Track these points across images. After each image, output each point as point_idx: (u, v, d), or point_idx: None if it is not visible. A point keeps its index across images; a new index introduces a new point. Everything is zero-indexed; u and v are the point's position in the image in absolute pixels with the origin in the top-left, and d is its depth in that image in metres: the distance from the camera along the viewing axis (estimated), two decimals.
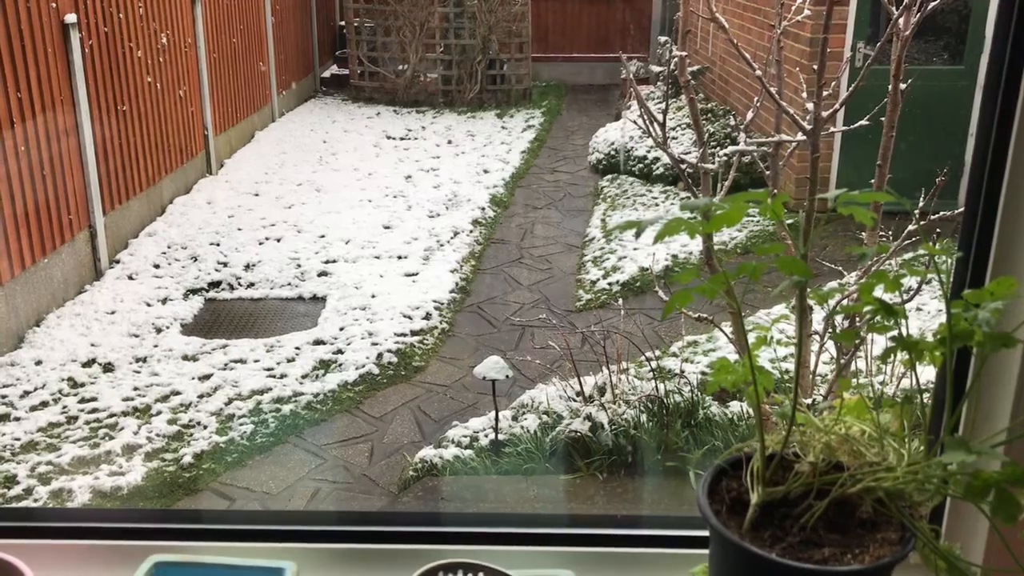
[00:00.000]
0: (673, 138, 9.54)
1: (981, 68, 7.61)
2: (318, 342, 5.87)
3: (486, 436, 4.55)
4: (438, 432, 4.85)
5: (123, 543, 1.30)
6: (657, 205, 8.56)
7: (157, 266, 7.08)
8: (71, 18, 6.52)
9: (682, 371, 4.91)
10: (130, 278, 6.85)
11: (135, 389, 5.27)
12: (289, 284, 6.82)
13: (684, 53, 3.88)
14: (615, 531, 1.34)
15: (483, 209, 8.55)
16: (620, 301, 6.34)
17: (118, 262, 7.10)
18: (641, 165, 9.37)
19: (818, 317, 4.21)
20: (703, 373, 4.98)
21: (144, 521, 1.40)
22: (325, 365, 5.59)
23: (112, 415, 5.01)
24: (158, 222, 7.91)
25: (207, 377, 5.41)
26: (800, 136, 3.36)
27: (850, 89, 3.19)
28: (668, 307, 0.97)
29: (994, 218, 1.11)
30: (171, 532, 1.32)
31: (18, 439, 4.78)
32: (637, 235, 0.91)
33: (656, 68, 11.76)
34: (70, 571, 1.27)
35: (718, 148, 8.49)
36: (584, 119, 12.46)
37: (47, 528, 1.34)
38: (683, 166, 3.74)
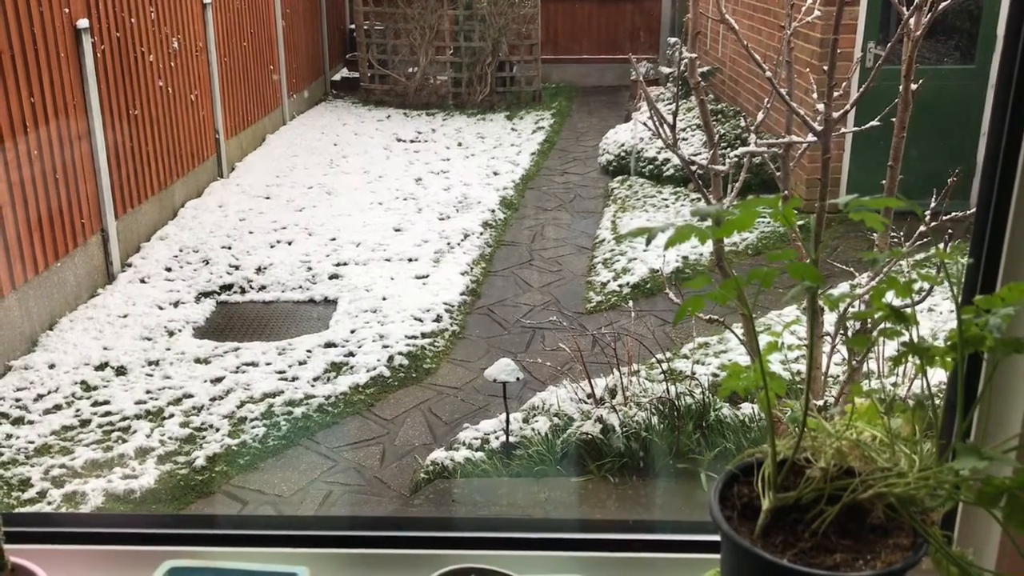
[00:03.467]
0: (683, 139, 9.53)
1: (993, 68, 7.57)
2: (329, 345, 5.89)
3: (497, 438, 4.56)
4: (449, 434, 4.86)
5: (138, 548, 1.31)
6: (667, 207, 8.55)
7: (169, 269, 7.11)
8: (83, 23, 6.56)
9: (693, 373, 4.90)
10: (142, 281, 6.88)
11: (147, 392, 5.30)
12: (300, 287, 6.84)
13: (694, 54, 3.87)
14: (626, 536, 1.34)
15: (493, 211, 8.55)
16: (630, 303, 6.34)
17: (130, 266, 7.13)
18: (651, 166, 9.37)
19: (830, 319, 4.20)
20: (714, 375, 4.98)
21: (159, 526, 1.41)
22: (336, 368, 5.61)
23: (125, 418, 5.04)
24: (170, 226, 7.94)
25: (219, 380, 5.44)
26: (811, 137, 3.35)
27: (861, 90, 3.18)
28: (680, 312, 0.97)
29: (1005, 221, 1.11)
30: (185, 537, 1.33)
31: (32, 442, 4.81)
32: (648, 242, 0.92)
33: (666, 70, 11.75)
34: None
35: (728, 149, 8.48)
36: (594, 121, 12.46)
37: (63, 533, 1.34)
38: (693, 167, 3.74)
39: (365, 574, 1.29)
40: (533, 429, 4.52)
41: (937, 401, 1.01)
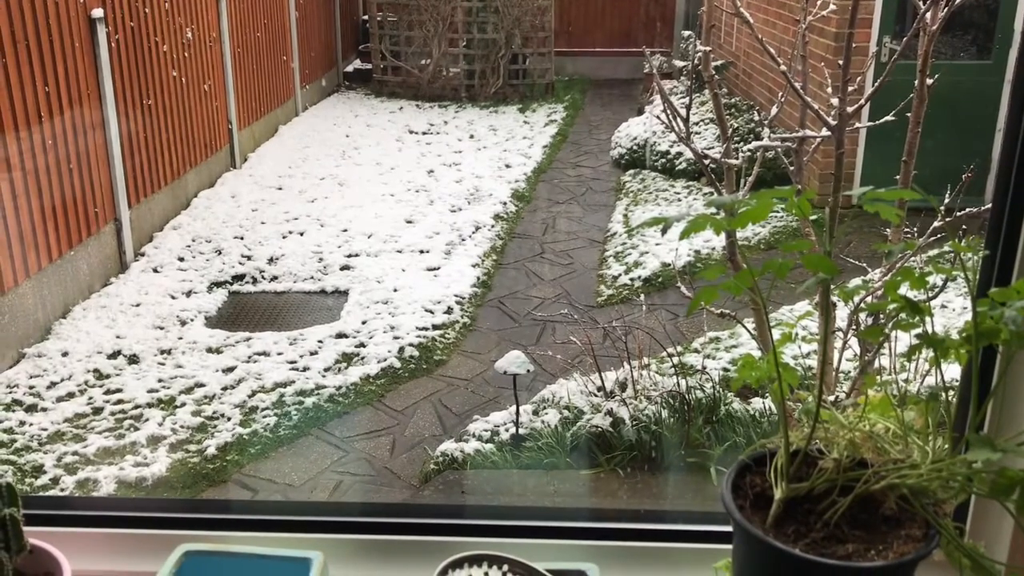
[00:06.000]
0: (696, 133, 9.50)
1: (1009, 63, 7.53)
2: (340, 335, 5.90)
3: (507, 430, 4.57)
4: (459, 426, 4.87)
5: (154, 532, 1.32)
6: (680, 200, 8.53)
7: (182, 259, 7.14)
8: (98, 13, 6.58)
9: (704, 367, 4.90)
10: (155, 271, 6.92)
11: (160, 381, 5.33)
12: (312, 278, 6.86)
13: (708, 48, 3.86)
14: (638, 525, 1.35)
15: (505, 204, 8.55)
16: (642, 297, 6.33)
17: (143, 255, 7.16)
18: (664, 160, 9.35)
19: (842, 314, 4.19)
20: (725, 370, 4.97)
21: (174, 510, 1.43)
22: (347, 358, 5.63)
23: (137, 406, 5.07)
24: (183, 215, 7.97)
25: (231, 369, 5.46)
26: (825, 132, 3.34)
27: (876, 84, 3.17)
28: (694, 303, 0.98)
29: (1022, 215, 1.11)
30: (200, 522, 1.34)
31: (45, 429, 4.85)
32: (664, 231, 0.92)
33: (680, 63, 11.72)
34: (103, 558, 1.29)
35: (742, 143, 8.45)
36: (607, 114, 12.43)
37: (80, 516, 1.36)
38: (706, 161, 3.73)
39: (378, 559, 1.30)
40: (543, 421, 4.53)
41: (950, 394, 1.01)
